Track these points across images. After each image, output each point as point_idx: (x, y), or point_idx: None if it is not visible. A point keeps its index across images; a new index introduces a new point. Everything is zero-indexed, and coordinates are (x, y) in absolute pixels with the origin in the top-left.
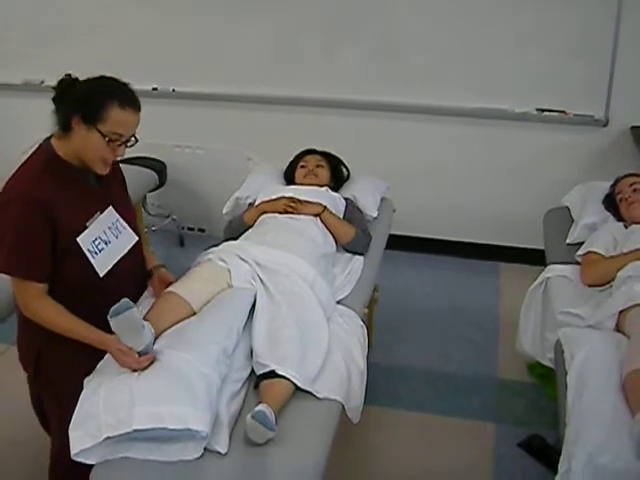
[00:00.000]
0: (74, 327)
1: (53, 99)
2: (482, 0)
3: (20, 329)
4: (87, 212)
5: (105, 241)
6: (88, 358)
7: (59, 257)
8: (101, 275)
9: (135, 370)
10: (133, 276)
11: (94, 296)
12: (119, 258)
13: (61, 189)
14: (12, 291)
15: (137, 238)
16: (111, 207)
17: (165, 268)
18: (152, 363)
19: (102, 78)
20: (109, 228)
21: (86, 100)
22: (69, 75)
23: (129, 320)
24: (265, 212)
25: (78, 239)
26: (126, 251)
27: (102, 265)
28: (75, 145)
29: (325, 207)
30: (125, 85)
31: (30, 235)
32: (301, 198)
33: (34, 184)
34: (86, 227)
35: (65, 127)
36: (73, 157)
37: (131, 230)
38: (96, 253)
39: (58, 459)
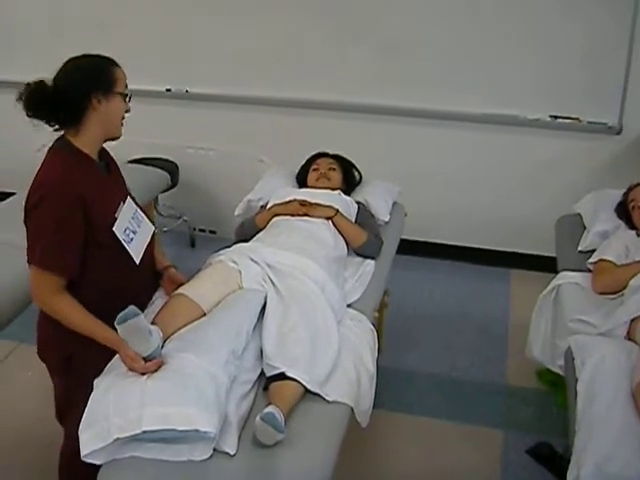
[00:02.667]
0: (88, 324)
1: (42, 110)
2: (496, 5)
3: (46, 332)
4: (113, 203)
5: (133, 230)
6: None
7: (94, 252)
8: (137, 262)
9: (143, 374)
10: (151, 266)
11: (132, 283)
12: (146, 246)
13: (90, 183)
14: (20, 291)
15: (153, 228)
16: (129, 198)
17: (175, 268)
18: (160, 367)
19: (82, 57)
20: (132, 218)
21: (96, 76)
22: (39, 83)
23: (135, 327)
24: (277, 215)
25: (114, 229)
26: (149, 239)
27: (136, 253)
28: (96, 126)
29: (337, 210)
30: (95, 54)
31: (67, 229)
32: (313, 201)
33: (68, 179)
34: (116, 218)
35: (80, 117)
36: (91, 147)
37: (148, 220)
38: (129, 242)
39: (72, 458)
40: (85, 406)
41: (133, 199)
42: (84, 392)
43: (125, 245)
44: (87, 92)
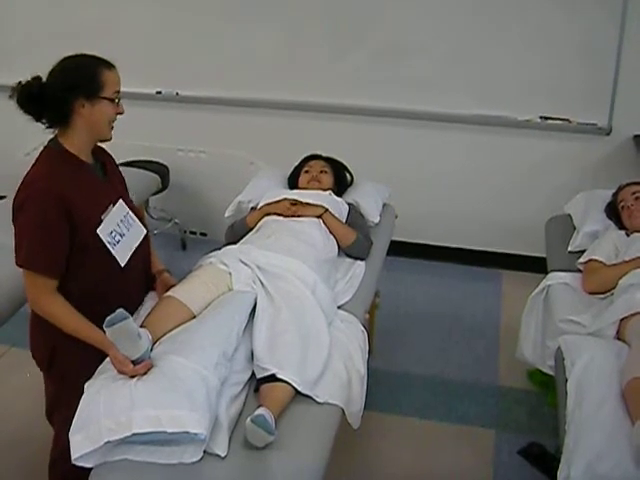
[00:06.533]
0: (78, 325)
1: (29, 106)
2: (486, 8)
3: (34, 324)
4: (101, 205)
5: (120, 233)
6: (101, 357)
7: (78, 254)
8: (122, 265)
9: (133, 377)
10: (143, 269)
11: (113, 289)
12: (134, 250)
13: (76, 184)
14: (11, 294)
15: (146, 231)
16: (121, 200)
17: (169, 273)
18: (150, 369)
19: (74, 57)
20: (121, 221)
21: (82, 79)
22: (30, 80)
23: (124, 330)
24: (268, 214)
25: (98, 231)
26: (138, 243)
27: (122, 255)
28: (83, 128)
29: (326, 209)
30: (92, 55)
31: (50, 230)
32: (303, 201)
33: (52, 180)
34: (102, 220)
35: (66, 118)
36: (81, 149)
37: (140, 223)
38: (115, 245)
39: (60, 458)
40: (71, 407)
41: (130, 201)
42: (69, 392)
43: (109, 248)
44: (70, 96)
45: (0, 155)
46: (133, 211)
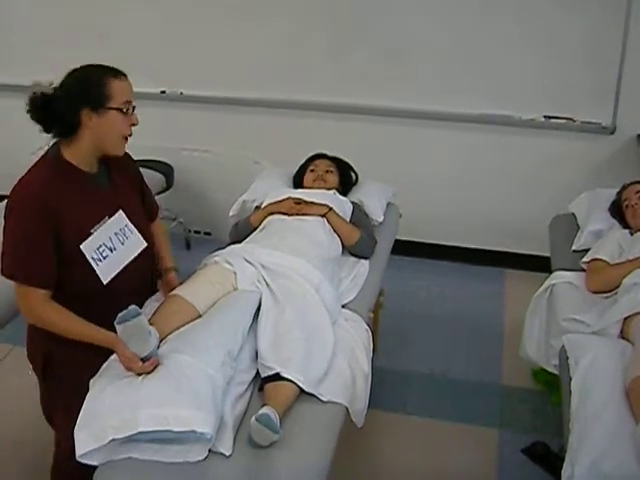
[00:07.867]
0: (79, 329)
1: (37, 118)
2: (491, 7)
3: (29, 329)
4: (94, 218)
5: (110, 248)
6: (98, 358)
7: (65, 264)
8: (104, 282)
9: (140, 374)
10: (140, 282)
11: (100, 302)
12: (125, 264)
13: (69, 196)
14: (13, 295)
15: (146, 244)
16: (121, 211)
17: (175, 272)
18: (156, 367)
19: (81, 69)
20: (116, 234)
21: (86, 91)
22: (37, 93)
23: (136, 327)
24: (272, 213)
25: (81, 247)
26: (132, 257)
27: (106, 272)
28: (89, 141)
29: (330, 208)
30: (100, 64)
31: (35, 241)
32: (307, 199)
33: (42, 190)
34: (90, 234)
35: (72, 130)
36: (83, 160)
37: (140, 235)
38: (100, 260)
39: (63, 460)
40: (70, 410)
41: (140, 205)
42: (67, 395)
43: (92, 263)
44: (76, 109)
45: (5, 154)
46: (138, 218)
